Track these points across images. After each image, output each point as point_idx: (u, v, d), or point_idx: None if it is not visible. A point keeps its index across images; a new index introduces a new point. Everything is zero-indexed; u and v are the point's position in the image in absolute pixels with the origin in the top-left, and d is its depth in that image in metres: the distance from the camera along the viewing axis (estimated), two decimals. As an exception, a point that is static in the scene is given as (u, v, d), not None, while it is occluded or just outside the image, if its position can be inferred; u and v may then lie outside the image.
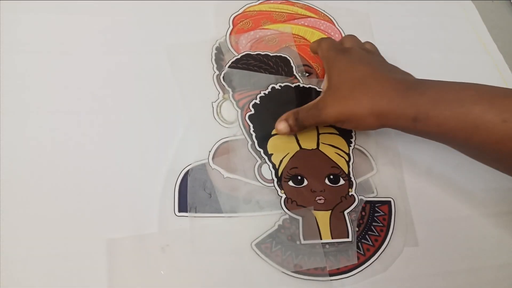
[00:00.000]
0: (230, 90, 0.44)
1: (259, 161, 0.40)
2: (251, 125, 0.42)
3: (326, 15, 0.53)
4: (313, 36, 0.50)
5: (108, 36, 0.45)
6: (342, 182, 0.41)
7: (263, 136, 0.42)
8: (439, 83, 0.35)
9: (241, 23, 0.49)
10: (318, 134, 0.43)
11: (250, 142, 0.41)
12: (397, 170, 0.42)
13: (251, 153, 0.40)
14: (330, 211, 0.39)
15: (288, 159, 0.41)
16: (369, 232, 0.39)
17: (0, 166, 0.37)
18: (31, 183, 0.36)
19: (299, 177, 0.40)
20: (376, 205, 0.40)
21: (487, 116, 0.31)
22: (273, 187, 0.39)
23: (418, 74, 0.47)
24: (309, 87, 0.46)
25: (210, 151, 0.40)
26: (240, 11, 0.50)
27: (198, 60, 0.45)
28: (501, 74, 0.52)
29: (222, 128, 0.42)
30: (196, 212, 0.37)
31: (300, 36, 0.50)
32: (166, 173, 0.39)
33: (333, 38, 0.50)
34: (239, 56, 0.46)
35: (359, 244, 0.38)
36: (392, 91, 0.35)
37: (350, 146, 0.43)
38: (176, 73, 0.44)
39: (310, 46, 0.47)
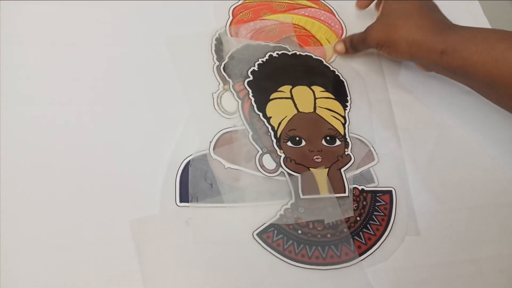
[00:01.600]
0: (230, 80, 0.43)
1: (260, 152, 0.40)
2: (250, 91, 0.43)
3: (327, 5, 0.52)
4: (313, 26, 0.50)
5: (108, 28, 0.45)
6: (338, 142, 0.42)
7: (262, 100, 0.43)
8: (472, 27, 0.39)
9: (240, 14, 0.49)
10: (315, 99, 0.44)
11: (251, 133, 0.41)
12: (398, 160, 0.42)
13: (252, 143, 0.40)
14: (327, 169, 0.40)
15: (287, 121, 0.42)
16: (370, 222, 0.39)
17: (0, 156, 0.37)
18: (31, 175, 0.36)
19: (297, 138, 0.41)
20: (377, 194, 0.40)
21: (509, 53, 0.35)
22: (274, 177, 0.39)
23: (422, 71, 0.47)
24: (306, 54, 0.47)
25: (211, 142, 0.40)
26: (240, 2, 0.50)
27: (198, 51, 0.45)
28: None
29: (222, 119, 0.41)
30: (197, 202, 0.37)
31: (301, 26, 0.50)
32: (167, 164, 0.39)
33: (333, 28, 0.50)
34: (239, 47, 0.46)
35: (361, 233, 0.38)
36: (429, 26, 0.40)
37: (346, 109, 0.44)
38: (176, 64, 0.44)
39: None
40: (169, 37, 0.45)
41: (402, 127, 0.44)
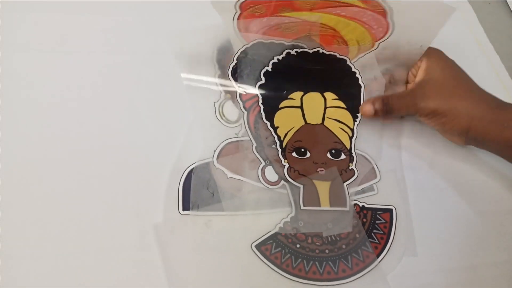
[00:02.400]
0: (237, 87, 0.42)
1: (263, 163, 0.40)
2: (260, 97, 0.42)
3: (380, 5, 0.46)
4: (347, 26, 0.45)
5: (110, 36, 0.45)
6: (343, 156, 0.41)
7: (271, 109, 0.42)
8: None
9: (250, 9, 0.45)
10: (325, 108, 0.43)
11: (255, 144, 0.40)
12: (400, 178, 0.42)
13: (255, 155, 0.40)
14: (330, 182, 0.40)
15: (293, 132, 0.41)
16: (369, 239, 0.39)
17: (0, 165, 0.37)
18: (31, 185, 0.37)
19: (303, 149, 0.41)
20: (378, 212, 0.40)
21: None
22: (276, 189, 0.39)
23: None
24: (330, 53, 0.44)
25: (215, 151, 0.40)
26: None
27: (200, 60, 0.44)
28: (498, 75, 0.51)
29: (225, 128, 0.41)
30: (198, 210, 0.38)
31: (328, 26, 0.45)
32: (170, 171, 0.39)
33: (373, 30, 0.46)
34: (249, 45, 0.44)
35: (359, 251, 0.38)
36: (489, 101, 0.39)
37: (356, 121, 0.43)
38: (179, 72, 0.43)
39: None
40: (171, 45, 0.44)
41: (404, 145, 0.44)
